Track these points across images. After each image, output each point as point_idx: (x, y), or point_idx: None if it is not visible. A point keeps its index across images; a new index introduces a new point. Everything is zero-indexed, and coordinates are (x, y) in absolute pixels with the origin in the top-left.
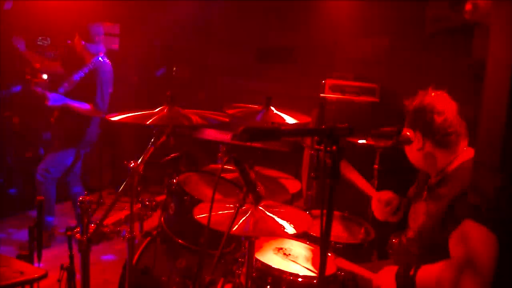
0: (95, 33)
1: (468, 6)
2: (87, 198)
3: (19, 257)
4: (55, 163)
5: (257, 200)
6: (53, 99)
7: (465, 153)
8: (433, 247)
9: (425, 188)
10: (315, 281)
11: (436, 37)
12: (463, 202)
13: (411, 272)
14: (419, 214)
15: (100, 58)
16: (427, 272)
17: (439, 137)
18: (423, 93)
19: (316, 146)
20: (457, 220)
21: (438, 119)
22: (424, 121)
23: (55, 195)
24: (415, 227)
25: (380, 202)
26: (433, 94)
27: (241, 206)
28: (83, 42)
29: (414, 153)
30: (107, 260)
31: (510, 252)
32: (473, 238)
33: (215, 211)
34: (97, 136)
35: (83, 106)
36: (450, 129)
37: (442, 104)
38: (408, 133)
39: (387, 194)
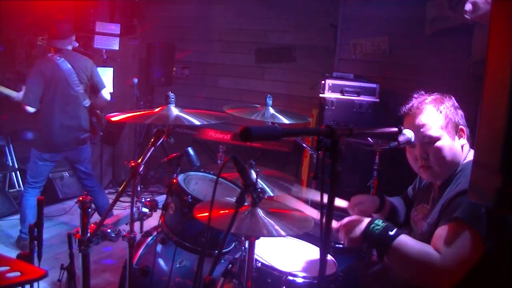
0: (61, 30)
1: (468, 6)
2: (87, 198)
3: (19, 257)
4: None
5: (257, 200)
6: None
7: (469, 154)
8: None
9: (433, 193)
10: (315, 281)
11: (436, 37)
12: (457, 201)
13: (391, 232)
14: (421, 218)
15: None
16: (409, 242)
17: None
18: (422, 96)
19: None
20: (451, 215)
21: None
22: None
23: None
24: (418, 230)
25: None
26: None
27: (241, 206)
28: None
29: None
30: (107, 260)
31: (510, 252)
32: (461, 239)
33: (216, 210)
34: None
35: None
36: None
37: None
38: (408, 134)
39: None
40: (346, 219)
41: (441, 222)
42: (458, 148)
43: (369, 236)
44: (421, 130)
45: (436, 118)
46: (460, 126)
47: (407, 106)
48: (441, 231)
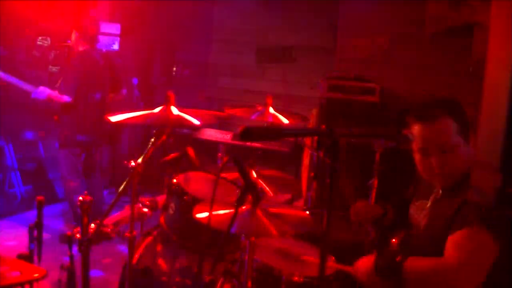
0: (91, 30)
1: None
2: (87, 198)
3: (19, 257)
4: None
5: (257, 200)
6: (37, 91)
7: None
8: (437, 248)
9: (435, 191)
10: (315, 281)
11: (436, 37)
12: (471, 205)
13: (398, 258)
14: (423, 215)
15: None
16: (419, 262)
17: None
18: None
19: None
20: (463, 222)
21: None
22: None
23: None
24: (420, 227)
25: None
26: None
27: (240, 206)
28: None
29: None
30: (107, 260)
31: (510, 251)
32: (475, 244)
33: (215, 211)
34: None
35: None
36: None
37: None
38: (408, 134)
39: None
40: (356, 264)
41: (454, 228)
42: (471, 151)
43: (379, 269)
44: (439, 139)
45: (453, 124)
46: (469, 129)
47: (417, 113)
48: (455, 238)
